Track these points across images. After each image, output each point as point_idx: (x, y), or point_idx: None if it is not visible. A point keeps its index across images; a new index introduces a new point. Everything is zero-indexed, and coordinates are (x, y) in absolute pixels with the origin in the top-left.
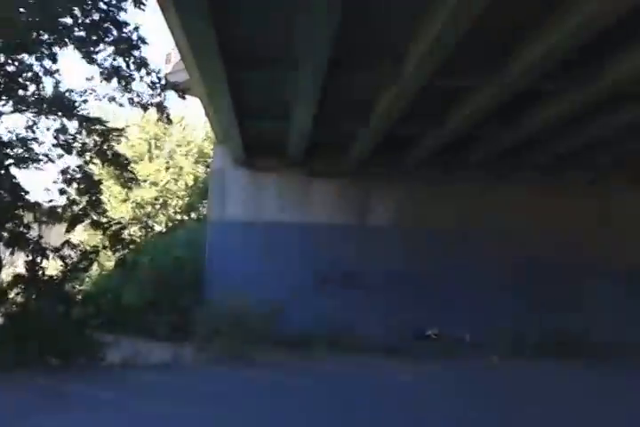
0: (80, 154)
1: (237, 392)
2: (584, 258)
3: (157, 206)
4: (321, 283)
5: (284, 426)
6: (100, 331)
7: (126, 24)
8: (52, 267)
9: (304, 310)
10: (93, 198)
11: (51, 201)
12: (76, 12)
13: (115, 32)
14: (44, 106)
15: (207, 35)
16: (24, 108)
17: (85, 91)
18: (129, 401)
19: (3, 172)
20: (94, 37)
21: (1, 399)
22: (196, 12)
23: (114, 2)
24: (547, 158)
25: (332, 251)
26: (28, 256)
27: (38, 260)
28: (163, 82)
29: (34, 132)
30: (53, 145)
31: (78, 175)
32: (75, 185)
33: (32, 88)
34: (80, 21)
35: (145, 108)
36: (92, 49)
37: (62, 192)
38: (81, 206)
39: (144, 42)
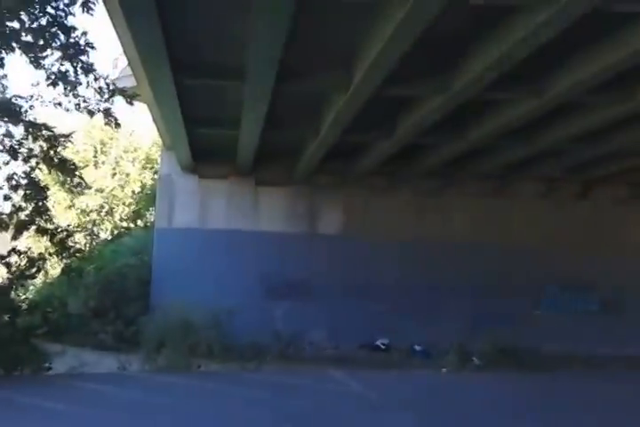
0: (26, 160)
1: (181, 403)
2: (533, 270)
3: (103, 213)
4: (269, 292)
5: None
6: (46, 340)
7: (74, 29)
8: None
9: (252, 319)
10: (39, 205)
11: None
12: (24, 16)
13: (62, 37)
14: None
15: (155, 42)
16: None
17: (32, 96)
18: (74, 412)
19: None
20: (42, 42)
21: None
22: (144, 19)
23: (62, 6)
24: (494, 168)
25: (281, 260)
26: None
27: None
28: (110, 87)
29: None
30: None
31: (24, 181)
32: (21, 191)
33: None
34: (27, 26)
35: (92, 113)
36: (39, 54)
37: (7, 198)
38: (27, 213)
39: (92, 47)
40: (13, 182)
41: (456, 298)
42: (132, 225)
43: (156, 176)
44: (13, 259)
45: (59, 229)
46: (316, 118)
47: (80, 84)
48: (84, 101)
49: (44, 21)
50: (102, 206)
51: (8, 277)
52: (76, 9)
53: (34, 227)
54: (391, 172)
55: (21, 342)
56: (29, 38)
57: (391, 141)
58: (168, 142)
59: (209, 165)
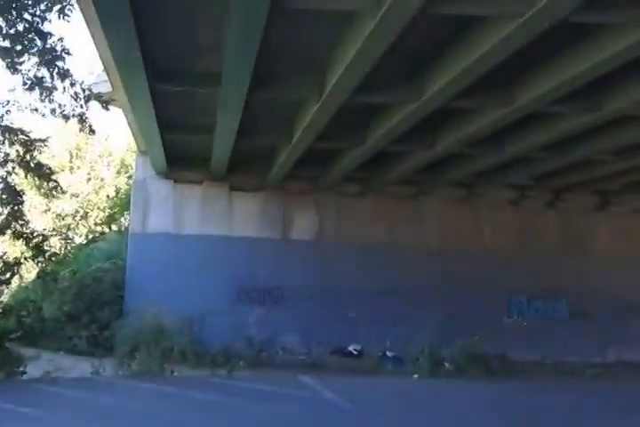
0: (2, 164)
1: (152, 408)
2: (503, 277)
3: (78, 218)
4: (242, 297)
5: None
6: (21, 344)
7: (51, 35)
8: None
9: (225, 324)
10: (15, 209)
11: None
12: (0, 22)
13: (39, 43)
14: None
15: (131, 48)
16: None
17: (8, 101)
18: (47, 416)
19: None
20: (19, 48)
21: None
22: (120, 26)
23: (38, 12)
24: (464, 175)
25: (254, 265)
26: None
27: None
28: (86, 93)
29: None
30: None
31: (0, 186)
32: None
33: None
34: (4, 31)
35: (67, 118)
36: (16, 59)
37: None
38: (3, 217)
39: (68, 53)
40: None
41: (427, 304)
42: (106, 229)
43: (130, 181)
44: None
45: (34, 234)
46: (289, 125)
47: (56, 89)
48: (60, 107)
49: (20, 27)
50: (77, 211)
51: None
52: (53, 15)
53: (9, 231)
54: (364, 178)
55: None
56: (6, 44)
57: (363, 148)
58: (143, 147)
59: (183, 170)
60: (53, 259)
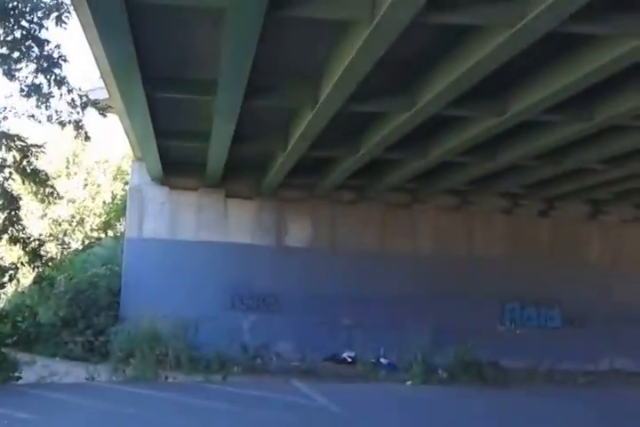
0: None
1: (147, 414)
2: (496, 285)
3: (74, 223)
4: (236, 304)
5: None
6: (16, 349)
7: (48, 42)
8: None
9: (219, 330)
10: (12, 214)
11: None
12: None
13: (36, 50)
14: None
15: (128, 56)
16: None
17: (5, 108)
18: (41, 421)
19: None
20: (16, 55)
21: None
22: (117, 34)
23: (36, 20)
24: (457, 183)
25: (249, 271)
26: None
27: None
28: (83, 100)
29: None
30: None
31: None
32: None
33: None
34: (2, 38)
35: (63, 125)
36: (13, 66)
37: None
38: None
39: (65, 60)
40: None
41: (421, 311)
42: (102, 235)
43: (126, 187)
44: None
45: (31, 239)
46: (283, 133)
47: (53, 96)
48: (57, 113)
49: (18, 34)
50: (74, 216)
51: None
52: (50, 22)
53: (6, 236)
54: (358, 186)
55: None
56: (4, 51)
57: (357, 156)
58: (139, 154)
59: (179, 177)
60: (50, 264)
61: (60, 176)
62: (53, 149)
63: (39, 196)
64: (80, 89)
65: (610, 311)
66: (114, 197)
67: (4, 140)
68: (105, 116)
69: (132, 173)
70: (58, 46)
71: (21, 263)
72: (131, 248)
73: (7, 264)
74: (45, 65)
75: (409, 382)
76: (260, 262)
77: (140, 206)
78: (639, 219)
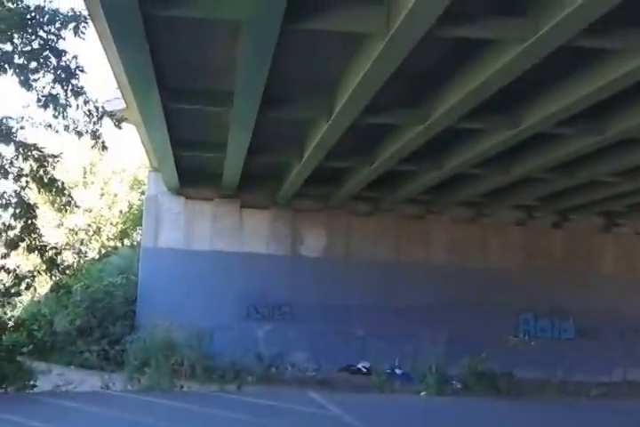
0: (16, 179)
1: (163, 423)
2: (510, 297)
3: (91, 233)
4: (252, 313)
5: None
6: (32, 358)
7: (65, 52)
8: None
9: (234, 339)
10: (29, 223)
11: None
12: (16, 39)
13: (54, 60)
14: None
15: (144, 67)
16: None
17: (22, 117)
18: None
19: None
20: (33, 65)
21: None
22: (133, 45)
23: (53, 30)
24: (471, 195)
25: (264, 281)
26: None
27: None
28: (100, 110)
29: None
30: None
31: (14, 200)
32: (10, 210)
33: None
34: (20, 49)
35: (80, 135)
36: (30, 76)
37: None
38: (17, 231)
39: (82, 70)
40: (3, 201)
41: (435, 322)
42: (118, 244)
43: (142, 197)
44: (1, 276)
45: (48, 247)
46: (299, 143)
47: (70, 106)
48: (74, 123)
49: (36, 44)
50: (90, 226)
51: None
52: (68, 33)
53: (23, 244)
54: (373, 197)
55: (7, 359)
56: (21, 61)
57: (372, 168)
58: (155, 164)
59: (195, 187)
60: (67, 272)
61: (77, 186)
62: (70, 158)
63: (56, 205)
64: (97, 100)
65: (623, 323)
66: (130, 207)
67: (21, 150)
68: (120, 128)
69: (149, 182)
70: (75, 57)
71: (38, 272)
72: (147, 258)
73: (24, 272)
74: (63, 75)
75: (423, 393)
76: (275, 272)
77: (156, 216)
78: None
